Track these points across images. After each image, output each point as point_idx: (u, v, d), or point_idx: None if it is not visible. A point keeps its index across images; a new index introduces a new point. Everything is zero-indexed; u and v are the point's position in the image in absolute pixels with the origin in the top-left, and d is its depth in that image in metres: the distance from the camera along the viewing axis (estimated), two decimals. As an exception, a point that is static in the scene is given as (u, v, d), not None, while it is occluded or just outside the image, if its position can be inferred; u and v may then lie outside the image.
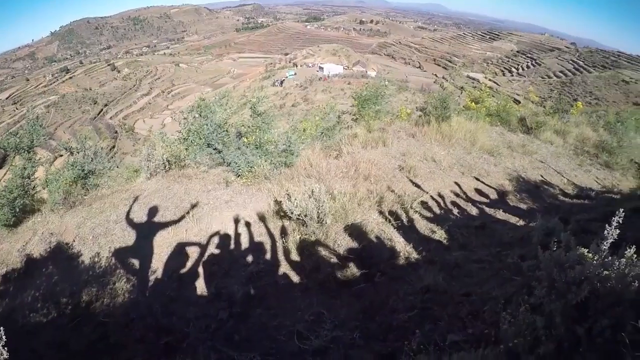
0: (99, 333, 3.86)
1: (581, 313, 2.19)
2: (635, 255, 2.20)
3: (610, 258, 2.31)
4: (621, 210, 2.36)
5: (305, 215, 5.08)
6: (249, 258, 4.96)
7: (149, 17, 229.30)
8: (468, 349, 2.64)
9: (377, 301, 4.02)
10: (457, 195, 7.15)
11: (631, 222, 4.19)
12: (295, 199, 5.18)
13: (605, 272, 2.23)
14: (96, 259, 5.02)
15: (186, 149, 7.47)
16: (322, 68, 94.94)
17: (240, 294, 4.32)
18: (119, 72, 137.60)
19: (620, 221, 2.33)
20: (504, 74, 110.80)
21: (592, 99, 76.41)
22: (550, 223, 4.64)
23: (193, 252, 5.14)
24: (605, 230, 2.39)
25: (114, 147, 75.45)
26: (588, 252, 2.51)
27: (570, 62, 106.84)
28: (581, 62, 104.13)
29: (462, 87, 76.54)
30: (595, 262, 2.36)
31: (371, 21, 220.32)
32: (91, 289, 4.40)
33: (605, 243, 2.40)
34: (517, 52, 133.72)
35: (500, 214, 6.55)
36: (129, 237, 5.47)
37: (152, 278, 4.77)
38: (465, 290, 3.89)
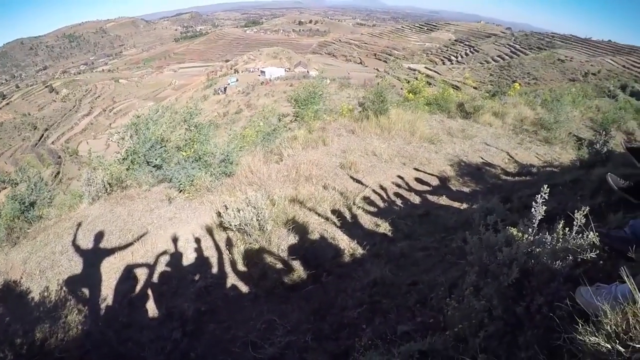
0: (57, 370, 3.72)
1: (518, 292, 2.26)
2: (567, 229, 2.26)
3: (540, 235, 2.38)
4: (545, 186, 2.41)
5: (246, 225, 5.06)
6: (197, 274, 4.90)
7: (84, 33, 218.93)
8: (417, 338, 2.70)
9: (326, 301, 4.05)
10: (399, 186, 7.28)
11: (572, 193, 4.43)
12: (232, 210, 5.15)
13: (538, 250, 2.31)
14: (46, 294, 4.83)
15: (127, 169, 7.30)
16: (264, 72, 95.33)
17: (192, 311, 4.27)
18: (57, 93, 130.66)
19: (547, 197, 2.39)
20: (444, 63, 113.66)
21: (530, 79, 79.67)
22: (490, 204, 4.79)
23: (141, 275, 5.03)
24: (532, 208, 2.46)
25: (58, 173, 71.68)
26: (518, 231, 2.62)
27: (507, 46, 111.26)
28: (517, 46, 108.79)
29: (398, 78, 77.98)
30: (524, 241, 2.43)
31: (310, 21, 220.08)
32: (44, 326, 4.23)
33: (533, 221, 2.46)
34: (455, 40, 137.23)
35: (443, 200, 6.74)
36: (76, 267, 5.30)
37: (103, 306, 4.64)
38: (412, 279, 3.97)
